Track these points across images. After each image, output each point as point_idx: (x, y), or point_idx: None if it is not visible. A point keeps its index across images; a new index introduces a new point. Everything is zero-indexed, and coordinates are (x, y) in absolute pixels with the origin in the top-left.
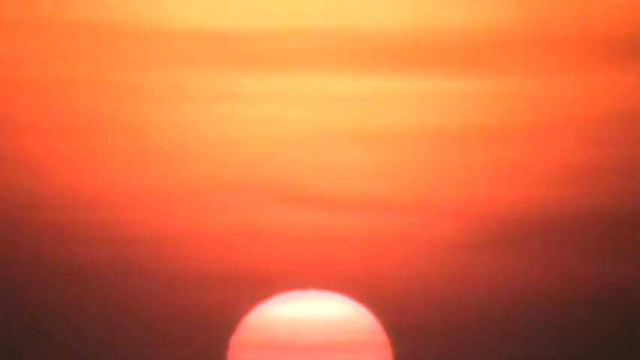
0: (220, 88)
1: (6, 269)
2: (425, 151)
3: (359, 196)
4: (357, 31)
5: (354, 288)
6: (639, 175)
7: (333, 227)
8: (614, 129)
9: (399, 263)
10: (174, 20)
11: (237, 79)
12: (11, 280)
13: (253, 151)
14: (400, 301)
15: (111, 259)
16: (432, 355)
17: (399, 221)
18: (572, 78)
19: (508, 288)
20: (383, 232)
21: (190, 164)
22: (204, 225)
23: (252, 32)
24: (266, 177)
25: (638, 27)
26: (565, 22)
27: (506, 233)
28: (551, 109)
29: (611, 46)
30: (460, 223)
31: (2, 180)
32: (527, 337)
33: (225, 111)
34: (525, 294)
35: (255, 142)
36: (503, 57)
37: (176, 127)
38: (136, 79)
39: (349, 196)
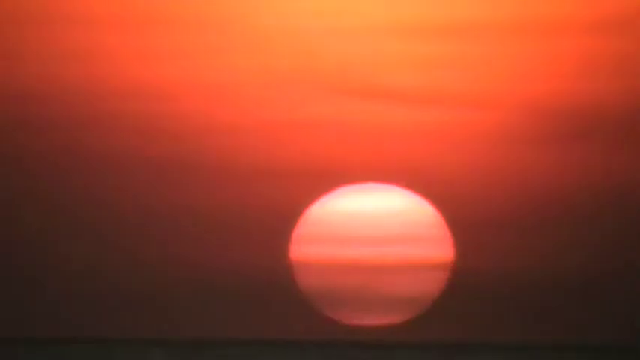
0: None
1: (73, 158)
2: (482, 45)
3: (417, 88)
4: None
5: (413, 180)
6: None
7: (392, 119)
8: None
9: (456, 155)
10: None
11: None
12: (78, 169)
13: (313, 42)
14: (459, 194)
15: (171, 152)
16: (491, 247)
17: (456, 114)
18: None
19: (562, 181)
20: (440, 124)
21: (249, 56)
22: (264, 117)
23: None
24: (326, 69)
25: None
26: None
27: (563, 127)
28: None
29: None
30: (515, 116)
31: (76, 72)
32: (579, 228)
33: (285, 3)
34: (579, 187)
35: (315, 34)
36: None
37: (236, 19)
38: None
39: (407, 88)
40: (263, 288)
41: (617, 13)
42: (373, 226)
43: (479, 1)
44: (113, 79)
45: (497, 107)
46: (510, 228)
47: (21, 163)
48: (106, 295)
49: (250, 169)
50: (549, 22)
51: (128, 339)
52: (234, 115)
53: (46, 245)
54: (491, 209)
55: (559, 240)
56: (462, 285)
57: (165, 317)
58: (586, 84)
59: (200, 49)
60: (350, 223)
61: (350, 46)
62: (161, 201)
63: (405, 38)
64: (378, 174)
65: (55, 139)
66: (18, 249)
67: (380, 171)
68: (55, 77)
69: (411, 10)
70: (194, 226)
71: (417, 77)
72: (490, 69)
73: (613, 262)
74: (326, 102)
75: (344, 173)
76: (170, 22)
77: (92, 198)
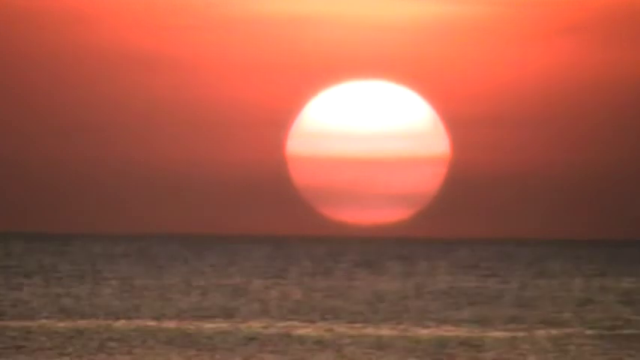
0: None
1: (73, 53)
2: None
3: None
4: None
5: (409, 76)
6: None
7: (390, 14)
8: None
9: (451, 50)
10: None
11: None
12: (78, 63)
13: None
14: (456, 91)
15: (167, 47)
16: (486, 142)
17: (461, 10)
18: None
19: (555, 75)
20: (439, 20)
21: None
22: (261, 11)
23: None
24: None
25: None
26: None
27: (568, 23)
28: None
29: None
30: (518, 11)
31: None
32: (573, 122)
33: None
34: (571, 81)
35: None
36: None
37: None
38: None
39: None
40: (259, 183)
41: None
42: (369, 122)
43: None
44: None
45: (492, 2)
46: (506, 123)
47: (24, 57)
48: (97, 191)
49: (247, 64)
50: None
51: (111, 234)
52: (230, 9)
53: (44, 140)
54: (487, 105)
55: (554, 134)
56: (458, 180)
57: (162, 213)
58: None
59: None
60: (346, 119)
61: None
62: (156, 97)
63: None
64: (375, 70)
65: (52, 35)
66: (18, 145)
67: (377, 67)
68: None
69: None
70: (190, 121)
71: None
72: None
73: (607, 156)
74: None
75: (341, 68)
76: None
77: (90, 94)
